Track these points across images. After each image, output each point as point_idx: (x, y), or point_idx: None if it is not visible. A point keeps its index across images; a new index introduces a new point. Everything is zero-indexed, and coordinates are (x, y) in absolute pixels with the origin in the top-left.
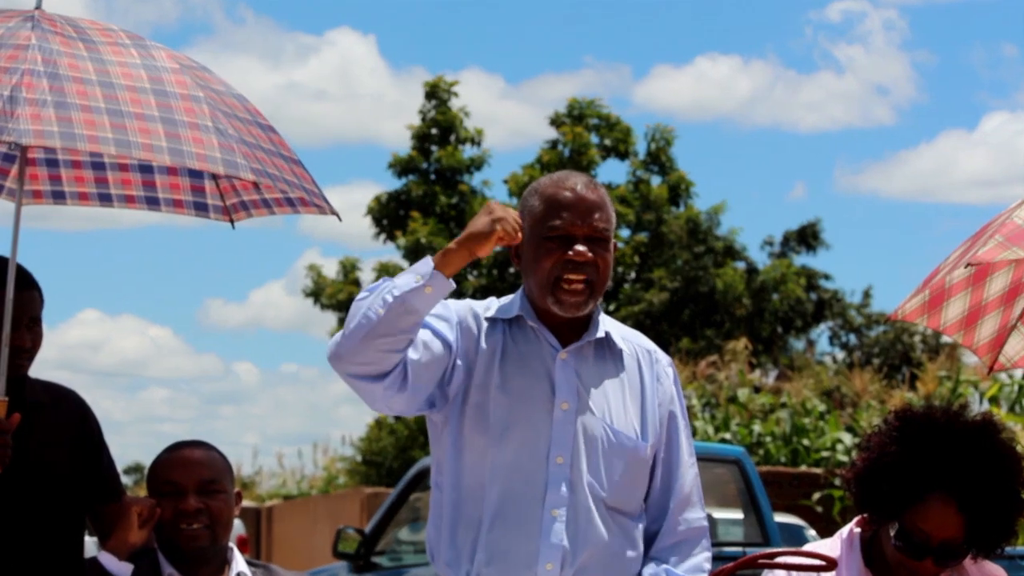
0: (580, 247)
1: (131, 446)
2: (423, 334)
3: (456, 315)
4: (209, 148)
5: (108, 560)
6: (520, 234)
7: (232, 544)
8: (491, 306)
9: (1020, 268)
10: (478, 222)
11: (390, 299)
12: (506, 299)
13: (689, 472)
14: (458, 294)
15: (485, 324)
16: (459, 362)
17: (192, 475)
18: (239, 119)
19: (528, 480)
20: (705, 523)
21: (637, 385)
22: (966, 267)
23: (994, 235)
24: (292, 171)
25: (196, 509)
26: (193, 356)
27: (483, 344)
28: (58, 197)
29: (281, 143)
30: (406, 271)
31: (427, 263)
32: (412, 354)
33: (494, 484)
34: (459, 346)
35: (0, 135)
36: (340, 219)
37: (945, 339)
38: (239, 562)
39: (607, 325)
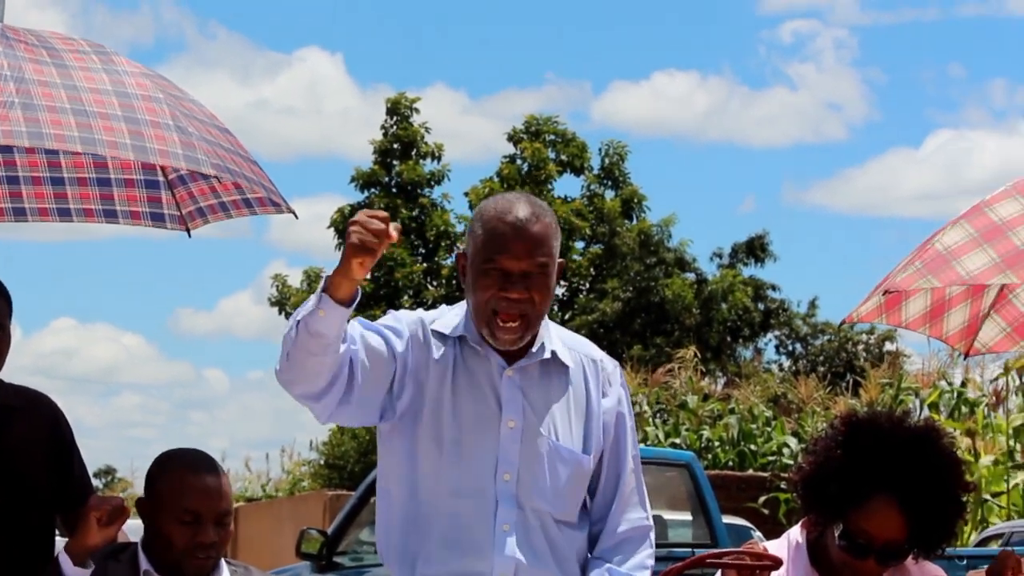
0: (514, 287)
1: (104, 451)
2: (373, 343)
3: (408, 329)
4: (171, 145)
5: (65, 562)
6: (394, 232)
7: None
8: (440, 317)
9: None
10: (345, 246)
11: (296, 323)
12: (455, 311)
13: (633, 473)
14: (418, 303)
15: (434, 339)
16: (409, 377)
17: (213, 507)
18: (198, 120)
19: (479, 496)
20: (648, 523)
21: (583, 399)
22: (884, 294)
23: (915, 260)
24: (251, 168)
25: (213, 543)
26: (165, 363)
27: (435, 360)
28: (19, 214)
29: (238, 144)
30: (315, 291)
31: (322, 284)
32: (358, 370)
33: (446, 500)
34: (409, 360)
35: None
36: (296, 216)
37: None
38: (221, 566)
39: (553, 342)
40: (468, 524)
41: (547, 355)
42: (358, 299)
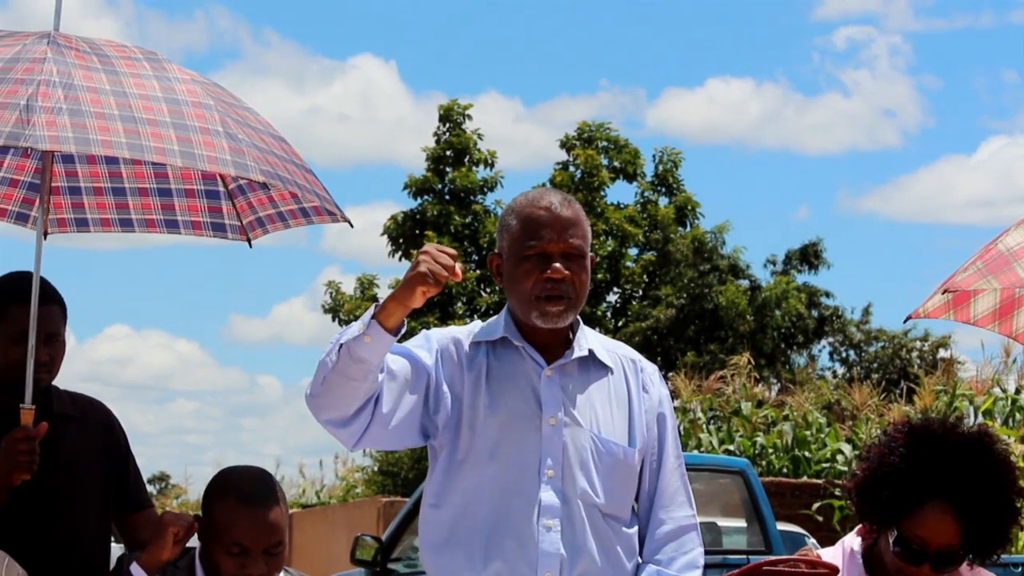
0: (557, 265)
1: (158, 457)
2: (396, 368)
3: (437, 344)
4: (220, 151)
5: (139, 573)
6: (459, 271)
7: None
8: (474, 330)
9: None
10: (408, 273)
11: (339, 347)
12: (490, 320)
13: (676, 472)
14: (472, 310)
15: (467, 349)
16: (445, 390)
17: (263, 541)
18: (251, 127)
19: (521, 494)
20: (694, 520)
21: (624, 393)
22: (943, 293)
23: (977, 261)
24: (304, 176)
25: (261, 574)
26: (218, 370)
27: (467, 368)
28: (81, 225)
29: (293, 152)
30: (361, 318)
31: (371, 311)
32: (384, 397)
33: (489, 501)
34: (442, 375)
35: (17, 142)
36: (352, 226)
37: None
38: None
39: (590, 342)
40: (510, 524)
41: (584, 353)
42: (404, 330)
